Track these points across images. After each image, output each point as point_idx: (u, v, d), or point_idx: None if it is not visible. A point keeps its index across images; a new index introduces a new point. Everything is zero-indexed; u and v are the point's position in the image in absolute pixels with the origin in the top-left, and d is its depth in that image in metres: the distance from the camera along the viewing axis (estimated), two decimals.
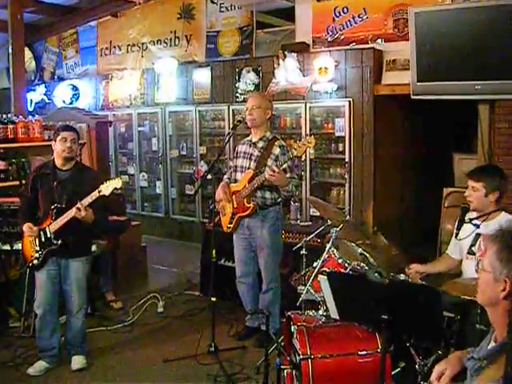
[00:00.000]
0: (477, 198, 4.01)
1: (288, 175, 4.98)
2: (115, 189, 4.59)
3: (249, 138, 5.40)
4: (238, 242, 5.42)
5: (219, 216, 5.51)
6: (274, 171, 4.77)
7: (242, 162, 5.32)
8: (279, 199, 5.25)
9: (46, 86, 12.16)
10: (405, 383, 3.81)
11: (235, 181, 5.38)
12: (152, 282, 7.55)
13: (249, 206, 5.14)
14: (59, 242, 4.64)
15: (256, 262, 5.40)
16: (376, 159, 7.58)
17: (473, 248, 4.11)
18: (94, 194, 4.51)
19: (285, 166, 4.95)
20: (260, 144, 5.24)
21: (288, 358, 3.99)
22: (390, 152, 7.96)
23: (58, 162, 4.76)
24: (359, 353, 3.67)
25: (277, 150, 5.14)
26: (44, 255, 4.69)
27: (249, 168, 5.21)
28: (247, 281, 5.47)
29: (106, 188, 4.52)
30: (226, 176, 5.57)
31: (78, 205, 4.47)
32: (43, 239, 4.67)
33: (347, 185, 7.78)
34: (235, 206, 5.26)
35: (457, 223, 4.00)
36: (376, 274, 3.48)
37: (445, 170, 8.31)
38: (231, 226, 5.32)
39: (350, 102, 7.63)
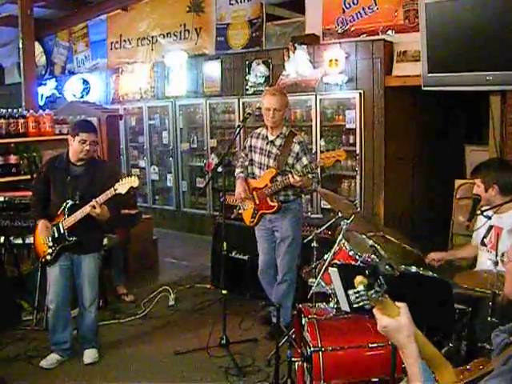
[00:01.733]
0: (481, 193, 4.02)
1: (310, 176, 4.96)
2: (131, 188, 4.58)
3: (263, 133, 5.34)
4: (260, 234, 5.46)
5: (239, 210, 5.54)
6: (296, 180, 4.82)
7: (259, 159, 5.31)
8: (301, 193, 5.34)
9: (56, 80, 12.18)
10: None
11: (253, 175, 5.40)
12: (163, 274, 7.58)
13: (273, 204, 5.19)
14: (73, 238, 4.65)
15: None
16: (387, 151, 7.54)
17: (485, 239, 4.10)
18: (110, 192, 4.48)
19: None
20: (278, 142, 5.21)
21: (299, 351, 4.00)
22: (401, 144, 7.92)
23: (73, 158, 4.72)
24: (370, 345, 3.65)
25: (296, 148, 5.13)
26: (57, 251, 4.70)
27: (268, 166, 5.22)
28: (270, 272, 5.49)
29: (122, 186, 4.49)
30: (238, 170, 5.51)
31: (93, 202, 4.45)
32: (56, 235, 4.67)
33: (358, 177, 7.75)
34: (257, 202, 5.28)
35: (468, 215, 3.99)
36: (387, 267, 3.47)
37: (456, 161, 8.28)
38: (254, 220, 5.37)
39: (360, 93, 7.59)
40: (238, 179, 5.45)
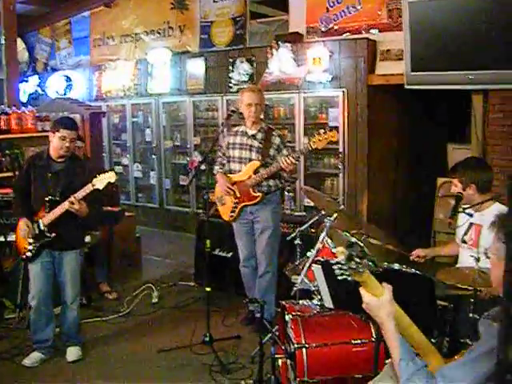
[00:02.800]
0: (459, 192, 4.06)
1: (295, 162, 5.16)
2: (109, 183, 4.57)
3: (241, 129, 5.53)
4: (240, 228, 5.54)
5: (215, 206, 5.67)
6: (289, 163, 5.03)
7: (240, 154, 5.44)
8: (281, 185, 5.54)
9: (39, 77, 12.10)
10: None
11: (230, 171, 5.52)
12: (146, 272, 7.56)
13: (256, 195, 5.33)
14: (52, 234, 4.63)
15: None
16: (370, 149, 7.58)
17: (465, 237, 4.15)
18: (88, 188, 4.49)
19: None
20: (259, 136, 5.40)
21: (282, 348, 4.02)
22: (384, 142, 7.96)
23: (54, 155, 4.72)
24: (353, 342, 3.68)
25: (277, 140, 5.39)
26: (37, 248, 4.68)
27: (250, 159, 5.38)
28: (251, 264, 5.60)
29: (100, 182, 4.50)
30: (217, 167, 5.64)
31: (71, 198, 4.47)
32: (37, 232, 4.66)
33: (341, 175, 7.78)
34: (238, 195, 5.39)
35: (450, 212, 4.03)
36: (370, 263, 3.48)
37: (439, 159, 8.35)
38: (234, 214, 5.47)
39: (344, 92, 7.61)
40: (218, 175, 5.58)
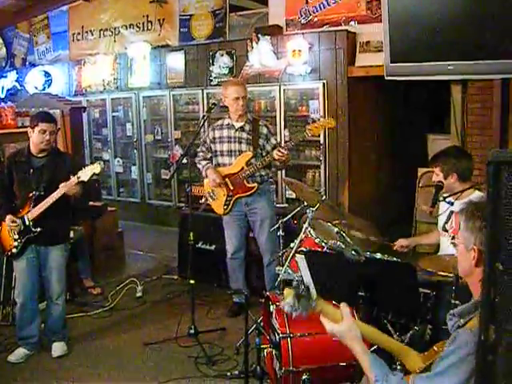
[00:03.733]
0: (439, 181, 4.11)
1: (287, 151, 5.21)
2: (94, 174, 4.58)
3: (226, 123, 5.54)
4: (231, 221, 5.59)
5: (206, 202, 5.74)
6: (283, 153, 5.09)
7: (228, 147, 5.48)
8: (271, 174, 5.65)
9: (17, 73, 11.97)
10: (382, 360, 3.86)
11: (219, 165, 5.55)
12: (130, 267, 7.54)
13: (251, 186, 5.41)
14: (38, 229, 4.62)
15: (246, 238, 5.72)
16: (351, 140, 7.62)
17: (446, 225, 4.20)
18: (73, 181, 4.49)
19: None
20: (247, 127, 5.45)
21: (268, 338, 4.05)
22: (365, 133, 8.01)
23: (34, 150, 4.70)
24: None
25: (264, 130, 5.47)
26: (23, 243, 4.66)
27: (240, 151, 5.42)
28: (240, 256, 5.68)
29: (85, 173, 4.50)
30: (203, 162, 5.65)
31: (61, 188, 4.46)
32: (22, 227, 4.63)
33: (322, 166, 7.81)
34: (231, 188, 5.44)
35: (430, 201, 4.08)
36: (353, 252, 3.53)
37: (419, 150, 8.41)
38: (227, 207, 5.52)
39: (323, 84, 7.64)
40: (207, 170, 5.57)
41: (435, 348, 2.50)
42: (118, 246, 7.80)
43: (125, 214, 9.66)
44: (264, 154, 5.38)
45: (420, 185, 7.42)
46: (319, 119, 5.16)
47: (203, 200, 5.82)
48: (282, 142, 6.83)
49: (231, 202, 5.48)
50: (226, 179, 5.45)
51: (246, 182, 5.40)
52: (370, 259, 3.43)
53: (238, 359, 4.64)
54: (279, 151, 5.10)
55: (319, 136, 7.62)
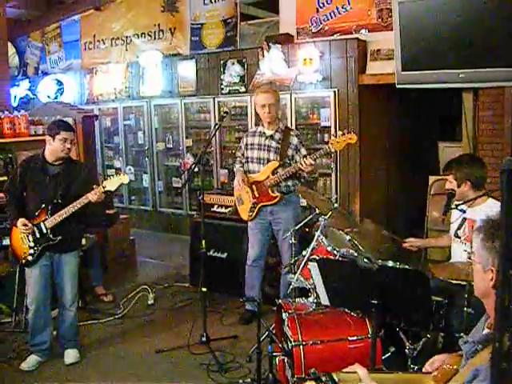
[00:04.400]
0: (452, 189, 4.10)
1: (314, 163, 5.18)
2: (121, 185, 4.62)
3: (259, 130, 5.57)
4: (255, 228, 5.60)
5: (235, 206, 5.78)
6: (307, 164, 5.03)
7: (258, 154, 5.50)
8: (300, 185, 5.50)
9: (29, 81, 12.09)
10: (395, 367, 3.86)
11: (249, 171, 5.56)
12: (141, 274, 7.56)
13: (275, 195, 5.40)
14: (57, 238, 4.64)
15: (268, 247, 5.69)
16: (362, 149, 7.61)
17: (458, 232, 4.20)
18: (99, 190, 4.52)
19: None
20: (277, 136, 5.45)
21: (280, 346, 4.05)
22: (376, 141, 8.01)
23: (50, 158, 4.71)
24: (349, 338, 3.72)
25: (295, 140, 5.42)
26: (40, 251, 4.68)
27: (268, 160, 5.43)
28: (259, 264, 5.68)
29: (111, 183, 4.54)
30: (238, 165, 5.69)
31: (94, 192, 4.51)
32: (38, 235, 4.65)
33: (333, 174, 7.83)
34: (257, 195, 5.46)
35: (443, 209, 4.08)
36: (365, 260, 3.53)
37: (430, 158, 8.41)
38: (252, 214, 5.54)
39: (334, 92, 7.66)
40: (237, 172, 5.63)
41: (445, 367, 2.47)
42: (130, 253, 7.84)
43: (136, 221, 9.71)
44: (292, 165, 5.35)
45: (431, 192, 7.41)
46: (343, 133, 5.03)
47: (233, 204, 5.89)
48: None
49: (256, 209, 5.49)
50: (253, 186, 5.47)
51: (271, 191, 5.39)
52: (383, 267, 3.43)
53: (250, 367, 4.64)
54: (305, 161, 5.04)
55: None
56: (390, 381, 2.43)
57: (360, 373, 2.25)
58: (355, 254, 3.97)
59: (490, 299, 2.14)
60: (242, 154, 5.66)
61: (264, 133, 5.51)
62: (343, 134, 4.99)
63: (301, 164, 5.08)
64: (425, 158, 8.55)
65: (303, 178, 5.43)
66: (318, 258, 3.64)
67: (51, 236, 4.64)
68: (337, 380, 2.15)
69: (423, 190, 7.40)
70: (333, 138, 5.12)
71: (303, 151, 5.39)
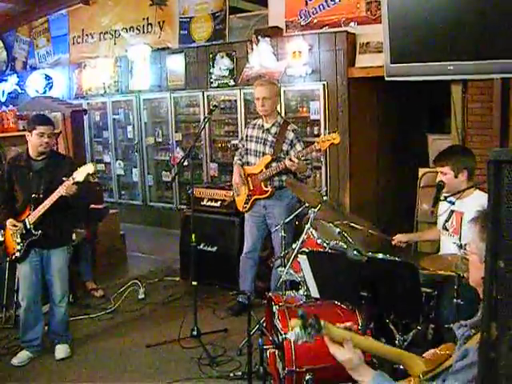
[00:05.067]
0: (448, 180, 4.08)
1: (304, 160, 5.16)
2: (88, 174, 4.57)
3: (259, 123, 5.59)
4: (251, 220, 5.64)
5: (233, 196, 5.82)
6: (293, 161, 5.01)
7: (255, 147, 5.52)
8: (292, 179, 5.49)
9: (18, 76, 12.01)
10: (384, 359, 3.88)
11: (247, 163, 5.59)
12: (132, 269, 7.56)
13: (267, 189, 5.42)
14: (39, 232, 4.63)
15: (263, 240, 5.70)
16: (351, 141, 7.63)
17: (446, 224, 4.20)
18: (68, 182, 4.48)
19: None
20: (273, 130, 5.45)
21: (270, 338, 4.06)
22: (365, 134, 8.02)
23: (33, 154, 4.71)
24: None
25: (290, 135, 5.40)
26: (25, 247, 4.67)
27: (264, 153, 5.45)
28: (254, 256, 5.69)
29: (79, 174, 4.49)
30: (236, 158, 5.73)
31: (66, 182, 4.46)
32: (24, 231, 4.65)
33: (323, 167, 7.83)
34: (251, 188, 5.50)
35: (432, 201, 4.08)
36: (355, 252, 3.54)
37: (419, 150, 8.42)
38: (247, 206, 5.57)
39: (324, 85, 7.66)
40: (234, 165, 5.67)
41: (438, 351, 2.49)
42: (120, 248, 7.82)
43: (126, 216, 9.67)
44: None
45: (421, 185, 7.43)
46: (328, 133, 5.04)
47: (223, 198, 5.96)
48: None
49: (250, 201, 5.53)
50: (249, 178, 5.51)
51: (264, 184, 5.41)
52: (372, 259, 3.44)
53: (241, 360, 4.65)
54: (290, 160, 5.04)
55: (319, 136, 7.62)
56: (379, 350, 2.43)
57: (346, 336, 2.25)
58: (345, 247, 3.98)
59: None
60: (243, 146, 5.67)
61: (262, 126, 5.52)
62: (329, 133, 5.01)
63: (287, 161, 5.07)
64: (414, 150, 8.57)
65: (296, 174, 5.43)
66: (307, 250, 3.65)
67: (33, 231, 4.63)
68: (322, 325, 2.14)
69: (413, 182, 7.42)
70: (321, 136, 5.13)
71: (298, 147, 5.33)
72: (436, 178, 4.26)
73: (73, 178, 4.49)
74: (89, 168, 4.55)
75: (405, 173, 8.17)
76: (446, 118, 7.76)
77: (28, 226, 4.63)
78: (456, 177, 4.06)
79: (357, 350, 2.23)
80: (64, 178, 4.49)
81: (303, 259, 3.33)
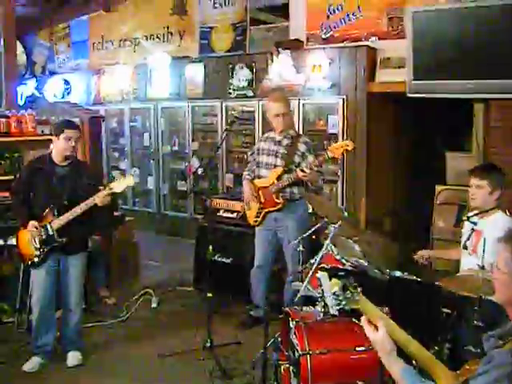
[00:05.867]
0: (482, 195, 4.02)
1: (316, 170, 5.12)
2: (127, 187, 4.60)
3: (271, 136, 5.54)
4: (261, 234, 5.58)
5: (244, 211, 5.77)
6: (306, 172, 4.98)
7: (266, 159, 5.47)
8: (306, 192, 5.44)
9: (37, 80, 12.08)
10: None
11: (259, 177, 5.53)
12: (144, 277, 7.51)
13: (279, 201, 5.35)
14: (64, 239, 4.60)
15: (275, 254, 5.61)
16: (369, 156, 7.60)
17: (467, 243, 4.16)
18: (105, 192, 4.49)
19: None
20: (285, 142, 5.41)
21: (286, 354, 4.02)
22: (383, 149, 7.99)
23: (57, 158, 4.69)
24: (357, 349, 3.69)
25: (302, 147, 5.35)
26: (46, 253, 4.64)
27: (275, 165, 5.38)
28: (264, 271, 5.63)
29: (118, 185, 4.51)
30: (245, 173, 5.67)
31: (103, 191, 4.49)
32: (44, 237, 4.60)
33: (340, 182, 7.80)
34: (263, 201, 5.43)
35: (455, 220, 4.05)
36: (376, 271, 3.51)
37: (437, 167, 8.36)
38: (258, 219, 5.51)
39: (343, 99, 7.64)
40: (244, 181, 5.62)
41: (467, 366, 2.46)
42: (134, 256, 7.78)
43: (140, 224, 9.65)
44: None
45: (438, 202, 7.38)
46: (342, 141, 5.02)
47: (239, 209, 5.93)
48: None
49: (261, 214, 5.47)
50: (260, 192, 5.45)
51: (275, 196, 5.35)
52: (394, 278, 3.40)
53: (254, 374, 4.59)
54: (302, 170, 5.01)
55: None
56: (411, 347, 2.39)
57: (380, 320, 2.27)
58: (365, 264, 3.94)
59: None
60: (254, 160, 5.63)
61: (274, 138, 5.48)
62: (340, 141, 4.99)
63: (299, 172, 5.04)
64: (431, 167, 8.51)
65: (308, 186, 5.39)
66: (328, 267, 3.61)
67: (57, 238, 4.60)
68: (359, 293, 2.13)
69: (429, 199, 7.37)
70: (333, 144, 5.10)
71: (310, 158, 5.27)
72: (454, 195, 4.21)
73: (110, 189, 4.49)
74: (129, 181, 4.58)
75: (421, 189, 8.11)
76: (464, 136, 7.72)
77: (51, 232, 4.59)
78: (490, 193, 4.01)
79: (388, 339, 2.25)
80: (101, 188, 4.51)
81: (323, 276, 3.29)
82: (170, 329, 5.74)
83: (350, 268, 3.98)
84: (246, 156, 8.70)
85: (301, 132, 7.83)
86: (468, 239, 4.16)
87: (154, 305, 6.30)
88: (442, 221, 7.26)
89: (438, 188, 7.39)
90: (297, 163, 5.30)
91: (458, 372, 2.43)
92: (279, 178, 5.32)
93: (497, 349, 2.11)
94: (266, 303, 5.52)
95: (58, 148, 4.66)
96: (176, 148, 9.94)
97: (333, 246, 4.22)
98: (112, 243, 6.99)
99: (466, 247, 4.19)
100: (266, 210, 5.44)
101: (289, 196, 5.36)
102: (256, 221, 5.53)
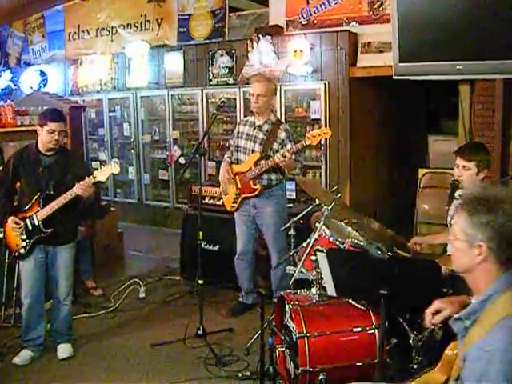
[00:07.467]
0: (468, 176, 4.03)
1: (294, 157, 5.06)
2: (112, 174, 4.52)
3: (251, 120, 5.50)
4: (240, 220, 5.54)
5: (221, 196, 5.76)
6: (285, 157, 4.93)
7: (245, 144, 5.41)
8: (283, 179, 5.46)
9: (11, 72, 11.86)
10: (397, 358, 3.85)
11: (237, 160, 5.49)
12: (130, 268, 7.47)
13: (255, 187, 5.31)
14: (49, 230, 4.52)
15: (256, 240, 5.60)
16: (352, 141, 7.61)
17: (452, 221, 4.17)
18: (89, 181, 4.38)
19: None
20: (265, 127, 5.36)
21: (282, 338, 4.02)
22: (366, 134, 8.01)
23: (43, 149, 4.59)
24: (354, 330, 3.71)
25: (282, 134, 5.31)
26: (32, 244, 4.56)
27: (253, 151, 5.34)
28: (247, 258, 5.60)
29: (102, 174, 4.41)
30: (226, 155, 5.63)
31: (77, 187, 4.36)
32: (30, 228, 4.52)
33: (323, 167, 7.80)
34: (239, 186, 5.39)
35: (447, 199, 4.06)
36: (377, 250, 3.51)
37: (419, 151, 8.43)
38: (235, 205, 5.48)
39: (325, 84, 7.63)
40: (222, 163, 5.58)
41: (448, 352, 2.47)
42: (118, 246, 7.74)
43: (122, 214, 9.57)
44: None
45: (421, 185, 7.43)
46: (320, 128, 5.01)
47: (218, 194, 5.93)
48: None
49: (238, 200, 5.44)
50: (237, 177, 5.40)
51: (252, 183, 5.31)
52: (394, 257, 3.41)
53: (249, 360, 4.60)
54: (282, 155, 4.96)
55: None
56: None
57: None
58: (364, 244, 3.93)
59: (476, 274, 2.16)
60: (234, 143, 5.58)
61: (254, 123, 5.44)
62: (318, 128, 4.99)
63: (277, 157, 4.99)
64: (414, 150, 8.57)
65: (287, 173, 5.39)
66: (325, 248, 3.60)
67: (43, 228, 4.52)
68: None
69: (413, 182, 7.42)
70: (310, 132, 5.09)
71: (288, 146, 5.18)
72: (437, 178, 4.22)
73: (93, 177, 4.39)
74: (113, 168, 4.46)
75: (405, 173, 8.16)
76: (445, 120, 7.78)
77: (36, 223, 4.50)
78: (477, 174, 4.02)
79: None
80: (86, 177, 4.40)
81: (322, 257, 3.29)
82: (160, 318, 5.70)
83: (347, 247, 3.97)
84: (227, 144, 8.70)
85: (283, 118, 7.85)
86: (453, 217, 4.17)
87: (142, 295, 6.26)
88: (425, 204, 7.32)
89: (421, 171, 7.44)
90: (275, 150, 5.25)
91: (441, 364, 2.45)
92: (256, 163, 5.27)
93: (467, 330, 2.13)
94: (255, 289, 5.51)
95: (42, 139, 4.56)
96: (156, 137, 9.84)
97: (326, 229, 4.21)
98: (96, 233, 6.92)
99: (451, 225, 4.20)
100: (243, 196, 5.41)
101: (266, 182, 5.33)
102: (233, 206, 5.50)
